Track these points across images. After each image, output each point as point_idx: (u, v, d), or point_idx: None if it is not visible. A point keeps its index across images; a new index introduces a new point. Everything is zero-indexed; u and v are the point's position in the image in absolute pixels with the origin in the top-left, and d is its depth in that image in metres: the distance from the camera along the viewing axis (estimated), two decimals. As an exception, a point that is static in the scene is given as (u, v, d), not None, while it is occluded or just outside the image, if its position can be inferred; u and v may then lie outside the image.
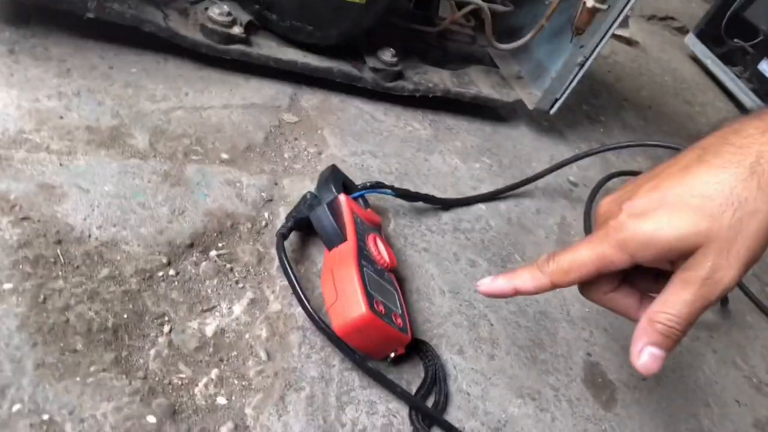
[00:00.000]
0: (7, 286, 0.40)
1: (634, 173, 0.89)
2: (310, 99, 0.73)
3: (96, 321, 0.40)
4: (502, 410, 0.49)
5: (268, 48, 0.70)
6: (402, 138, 0.75)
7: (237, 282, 0.48)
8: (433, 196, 0.65)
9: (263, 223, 0.54)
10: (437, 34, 0.86)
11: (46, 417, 0.35)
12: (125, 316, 0.42)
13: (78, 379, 0.37)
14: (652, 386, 0.59)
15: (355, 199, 0.55)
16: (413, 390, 0.47)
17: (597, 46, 0.80)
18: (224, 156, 0.59)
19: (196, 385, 0.41)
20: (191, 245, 0.49)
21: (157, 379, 0.40)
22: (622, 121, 1.13)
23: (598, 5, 0.75)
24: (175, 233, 0.49)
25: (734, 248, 0.34)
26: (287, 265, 0.47)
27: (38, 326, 0.39)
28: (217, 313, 0.45)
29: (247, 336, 0.45)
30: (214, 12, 0.65)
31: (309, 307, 0.45)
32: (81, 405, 0.36)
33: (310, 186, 0.59)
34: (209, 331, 0.44)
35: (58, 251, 0.43)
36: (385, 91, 0.77)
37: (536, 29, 0.81)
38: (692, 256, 0.35)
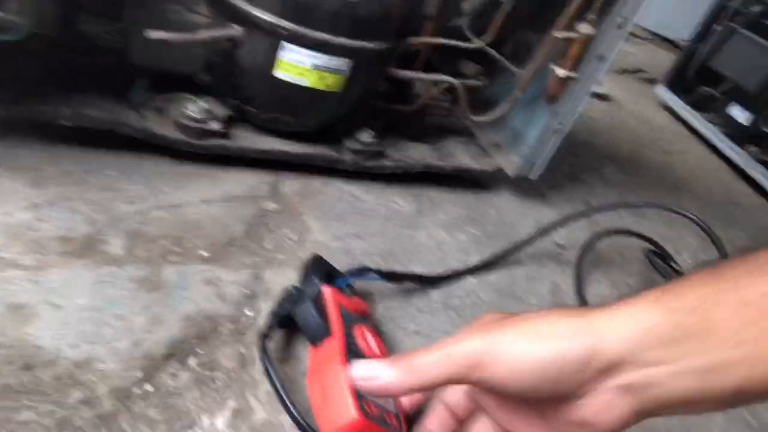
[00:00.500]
0: (-29, 422, 0.37)
1: (621, 231, 0.89)
2: (292, 185, 0.73)
3: (67, 453, 0.38)
4: None
5: (247, 139, 0.71)
6: (385, 216, 0.75)
7: (218, 391, 0.46)
8: (420, 276, 0.64)
9: (246, 322, 0.52)
10: (415, 110, 0.87)
11: None
12: (99, 443, 0.39)
13: None
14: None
15: (340, 288, 0.54)
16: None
17: (572, 112, 0.81)
18: (204, 254, 0.58)
19: None
20: (169, 355, 0.47)
21: None
22: (603, 178, 1.14)
23: (570, 74, 0.77)
24: (152, 343, 0.47)
25: None
26: (270, 370, 0.45)
27: (3, 466, 0.36)
28: (198, 429, 0.43)
29: (231, 452, 0.42)
30: (191, 108, 0.66)
31: (297, 415, 0.43)
32: None
33: (293, 276, 0.58)
34: (191, 451, 0.41)
35: (25, 379, 0.41)
36: (365, 170, 0.77)
37: (511, 101, 0.83)
38: None
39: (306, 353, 0.51)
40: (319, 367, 0.45)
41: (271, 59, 0.65)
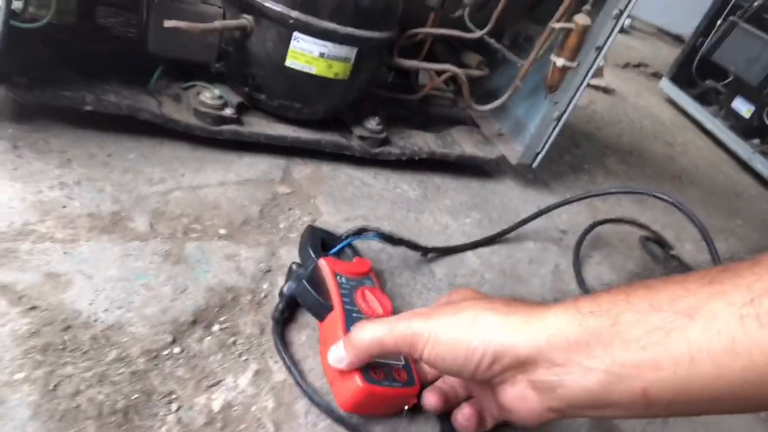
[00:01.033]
0: (19, 375, 0.41)
1: (621, 220, 0.92)
2: (302, 170, 0.76)
3: (106, 404, 0.41)
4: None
5: (259, 125, 0.74)
6: (392, 200, 0.78)
7: (240, 355, 0.49)
8: (415, 242, 0.66)
9: (263, 294, 0.56)
10: (419, 100, 0.90)
11: (59, 505, 0.35)
12: (134, 396, 0.43)
13: (90, 464, 0.38)
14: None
15: (338, 253, 0.57)
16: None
17: (571, 101, 0.84)
18: (222, 232, 0.61)
19: (206, 462, 0.41)
20: (194, 321, 0.50)
21: (167, 458, 0.40)
22: (605, 168, 1.17)
23: (567, 64, 0.80)
24: (178, 311, 0.50)
25: None
26: (284, 355, 0.49)
27: (50, 414, 0.39)
28: (223, 387, 0.46)
29: (253, 408, 0.46)
30: (206, 96, 0.69)
31: (309, 393, 0.46)
32: (93, 490, 0.37)
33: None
34: (216, 405, 0.45)
35: (66, 338, 0.44)
36: (372, 157, 0.80)
37: (511, 90, 0.86)
38: None
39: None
40: (326, 341, 0.49)
41: (280, 48, 0.68)
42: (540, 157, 0.90)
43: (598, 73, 1.65)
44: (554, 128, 0.86)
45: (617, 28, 0.79)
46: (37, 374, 0.41)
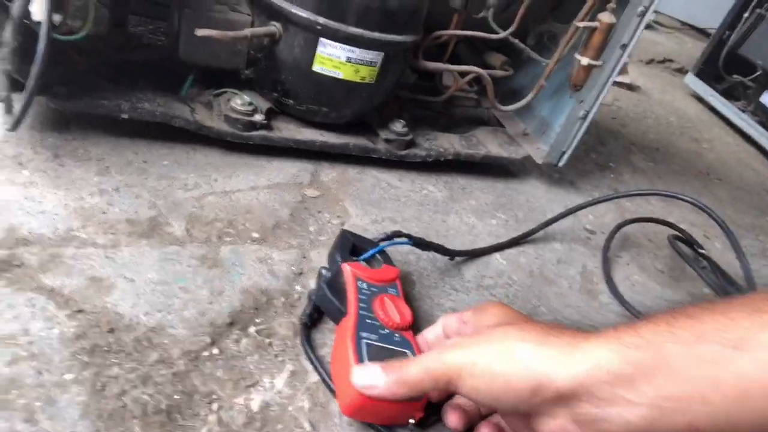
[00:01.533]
0: (69, 376, 0.43)
1: (648, 219, 0.91)
2: (330, 173, 0.77)
3: (150, 404, 0.43)
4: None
5: (288, 130, 0.75)
6: (419, 202, 0.79)
7: (276, 356, 0.51)
8: (445, 247, 0.67)
9: (296, 296, 0.57)
10: (443, 101, 0.91)
11: (111, 500, 0.37)
12: (176, 397, 0.44)
13: (137, 461, 0.39)
14: None
15: (369, 259, 0.57)
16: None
17: (596, 99, 0.84)
18: (255, 235, 0.62)
19: (247, 460, 0.42)
20: (231, 323, 0.52)
21: (209, 456, 0.42)
22: (631, 166, 1.16)
23: (593, 62, 0.80)
24: (215, 313, 0.52)
25: None
26: (311, 357, 0.50)
27: (99, 413, 0.41)
28: (260, 388, 0.47)
29: (290, 408, 0.47)
30: (236, 102, 0.71)
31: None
32: (142, 487, 0.38)
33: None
34: (255, 405, 0.46)
35: (111, 340, 0.46)
36: (399, 159, 0.81)
37: (536, 90, 0.86)
38: None
39: (351, 324, 0.56)
40: (336, 344, 0.50)
41: (307, 54, 0.70)
42: (566, 156, 0.90)
43: (623, 69, 1.63)
44: (580, 127, 0.86)
45: (642, 26, 0.78)
46: (84, 375, 0.43)
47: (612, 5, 0.77)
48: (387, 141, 0.80)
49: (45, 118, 0.67)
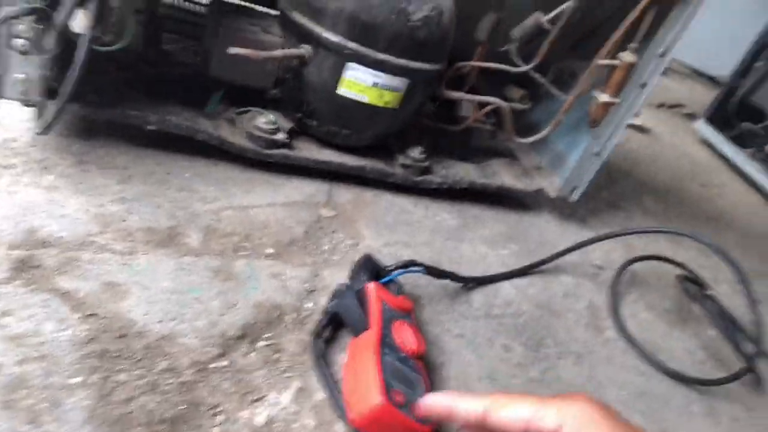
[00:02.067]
0: (76, 379, 0.43)
1: (656, 257, 0.91)
2: (345, 194, 0.78)
3: (156, 412, 0.43)
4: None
5: (308, 150, 0.77)
6: (432, 228, 0.79)
7: (284, 371, 0.51)
8: (458, 275, 0.68)
9: (307, 313, 0.57)
10: (461, 131, 0.92)
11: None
12: (182, 407, 0.44)
13: (143, 468, 0.39)
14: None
15: (386, 284, 0.58)
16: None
17: (613, 136, 0.85)
18: (270, 250, 0.63)
19: (251, 474, 0.42)
20: (241, 336, 0.52)
21: (214, 468, 0.41)
22: (642, 207, 1.16)
23: (611, 100, 0.81)
24: (227, 325, 0.52)
25: None
26: (324, 376, 0.50)
27: (104, 418, 0.41)
28: (266, 403, 0.47)
29: (295, 425, 0.47)
30: (260, 121, 0.72)
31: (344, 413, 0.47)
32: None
33: (346, 274, 0.63)
34: (259, 420, 0.46)
35: (122, 345, 0.46)
36: (414, 185, 0.82)
37: (554, 124, 0.87)
38: None
39: (360, 345, 0.56)
40: (356, 355, 0.50)
41: (335, 77, 0.71)
42: (579, 191, 0.90)
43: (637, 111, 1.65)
44: (594, 163, 0.87)
45: (662, 67, 0.80)
46: (93, 379, 0.43)
47: (634, 45, 0.79)
48: (404, 166, 0.81)
49: (73, 126, 0.68)
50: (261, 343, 0.52)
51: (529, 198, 0.95)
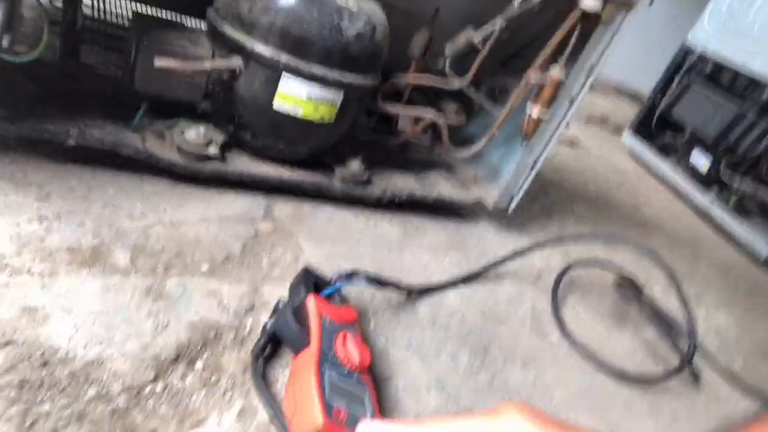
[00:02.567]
0: (-9, 413, 0.39)
1: (593, 260, 0.94)
2: (283, 208, 0.76)
3: (83, 443, 0.39)
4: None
5: (242, 163, 0.74)
6: (373, 239, 0.78)
7: (224, 393, 0.48)
8: (401, 285, 0.67)
9: (246, 331, 0.55)
10: (398, 144, 0.92)
11: None
12: (113, 436, 0.41)
13: (67, 507, 0.36)
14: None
15: (329, 297, 0.56)
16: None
17: (545, 149, 0.87)
18: (204, 268, 0.60)
19: (190, 505, 0.39)
20: (176, 358, 0.49)
21: (148, 500, 0.38)
22: (574, 214, 1.20)
23: (542, 114, 0.83)
24: (159, 347, 0.49)
25: None
26: (262, 392, 0.48)
27: (24, 453, 0.37)
28: (207, 426, 0.45)
29: (238, 448, 0.44)
30: (190, 134, 0.69)
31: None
32: None
33: (287, 289, 0.60)
34: (200, 445, 0.43)
35: (44, 374, 0.42)
36: (354, 198, 0.81)
37: (487, 137, 0.88)
38: None
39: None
40: (295, 374, 0.48)
41: (268, 90, 0.70)
42: (515, 201, 0.92)
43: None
44: (529, 174, 0.89)
45: (589, 81, 0.83)
46: (11, 412, 0.39)
47: (561, 62, 0.81)
48: (343, 179, 0.80)
49: (-18, 141, 0.63)
50: (199, 364, 0.49)
51: (467, 208, 0.96)
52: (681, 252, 1.27)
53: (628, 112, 2.30)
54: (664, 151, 1.84)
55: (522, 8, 0.81)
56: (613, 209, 1.37)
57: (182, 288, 0.56)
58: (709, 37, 1.76)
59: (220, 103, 0.73)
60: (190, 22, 0.84)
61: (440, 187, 0.92)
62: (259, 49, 0.67)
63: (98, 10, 0.83)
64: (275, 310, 0.54)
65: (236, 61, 0.69)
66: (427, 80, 0.87)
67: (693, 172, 1.69)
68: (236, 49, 0.69)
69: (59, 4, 0.73)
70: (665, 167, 1.78)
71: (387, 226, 0.83)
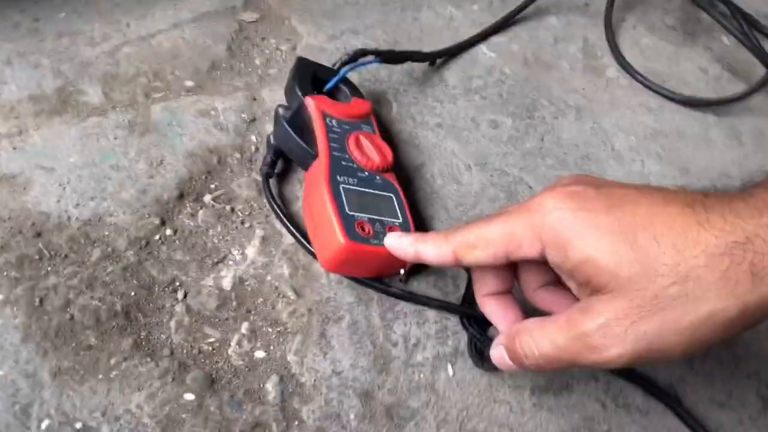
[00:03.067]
0: (-2, 298, 0.36)
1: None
2: (268, -15, 0.63)
3: (103, 309, 0.37)
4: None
5: (202, -59, 0.60)
6: (381, 0, 0.65)
7: (242, 222, 0.44)
8: (422, 52, 0.56)
9: (252, 148, 0.48)
10: None
11: (79, 426, 0.33)
12: (132, 293, 0.38)
13: (101, 376, 0.35)
14: None
15: (333, 91, 0.48)
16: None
17: None
18: (189, 84, 0.52)
19: (229, 346, 0.38)
20: (181, 196, 0.44)
21: (184, 351, 0.37)
22: None
23: None
24: (160, 188, 0.44)
25: (642, 325, 0.26)
26: (279, 211, 0.42)
27: (43, 332, 0.35)
28: (230, 262, 0.41)
29: (269, 278, 0.41)
30: None
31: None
32: (112, 403, 0.34)
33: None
34: (227, 284, 0.40)
35: (41, 245, 0.39)
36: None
37: None
38: (597, 296, 0.27)
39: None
40: (309, 193, 0.42)
41: None
42: None
43: None
44: None
45: None
46: (17, 293, 0.37)
47: None
48: (329, -69, 0.64)
49: None
50: (207, 198, 0.44)
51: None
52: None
53: None
54: None
55: None
56: None
57: (170, 114, 0.49)
58: None
59: None
60: None
61: None
62: None
63: None
64: (276, 118, 0.47)
65: None
66: None
67: None
68: None
69: None
70: None
71: (397, -19, 0.68)
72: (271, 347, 0.38)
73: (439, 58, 0.59)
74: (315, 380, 0.37)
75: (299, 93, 0.45)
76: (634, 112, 0.61)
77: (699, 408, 0.44)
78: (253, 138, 0.49)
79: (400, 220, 0.41)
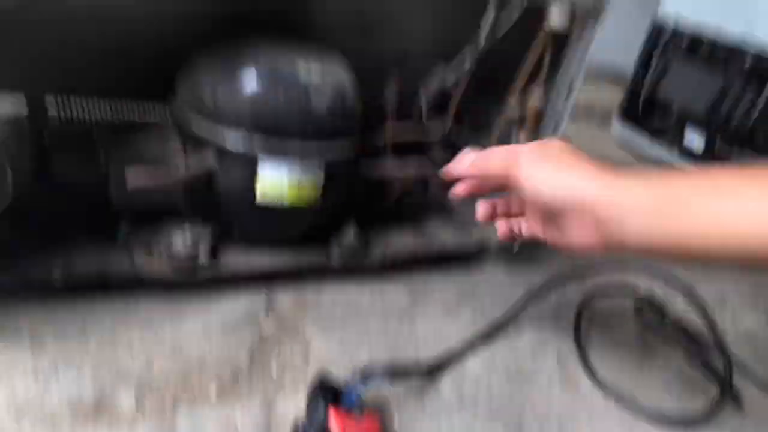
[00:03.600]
0: None
1: (610, 286, 0.91)
2: (284, 298, 0.73)
3: None
4: None
5: (235, 257, 0.71)
6: (382, 312, 0.76)
7: None
8: (420, 366, 0.65)
9: (268, 460, 0.52)
10: (392, 200, 0.89)
11: None
12: None
13: None
14: None
15: (349, 405, 0.54)
16: None
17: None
18: (213, 392, 0.57)
19: None
20: None
21: None
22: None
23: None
24: (180, 505, 0.46)
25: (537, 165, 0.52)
26: None
27: None
28: None
29: None
30: (177, 243, 0.67)
31: None
32: None
33: (302, 399, 0.58)
34: None
35: None
36: (354, 267, 0.78)
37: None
38: None
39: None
40: None
41: (247, 183, 0.66)
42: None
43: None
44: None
45: (572, 97, 0.81)
46: None
47: (539, 89, 0.79)
48: (340, 252, 0.77)
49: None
50: None
51: (470, 254, 0.93)
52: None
53: (615, 97, 2.27)
54: (656, 134, 1.80)
55: (489, 43, 0.79)
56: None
57: (193, 422, 0.53)
58: (679, 8, 1.73)
59: (202, 205, 0.70)
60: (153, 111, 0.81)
61: (441, 236, 0.89)
62: (231, 143, 0.64)
63: (63, 108, 0.79)
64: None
65: (209, 161, 0.66)
66: (407, 135, 0.84)
67: (688, 153, 1.66)
68: (206, 142, 0.66)
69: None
70: (659, 151, 1.75)
71: (393, 293, 0.80)
72: None
73: (435, 371, 0.67)
74: None
75: (322, 409, 0.51)
76: (611, 426, 0.67)
77: None
78: (269, 450, 0.53)
79: None
